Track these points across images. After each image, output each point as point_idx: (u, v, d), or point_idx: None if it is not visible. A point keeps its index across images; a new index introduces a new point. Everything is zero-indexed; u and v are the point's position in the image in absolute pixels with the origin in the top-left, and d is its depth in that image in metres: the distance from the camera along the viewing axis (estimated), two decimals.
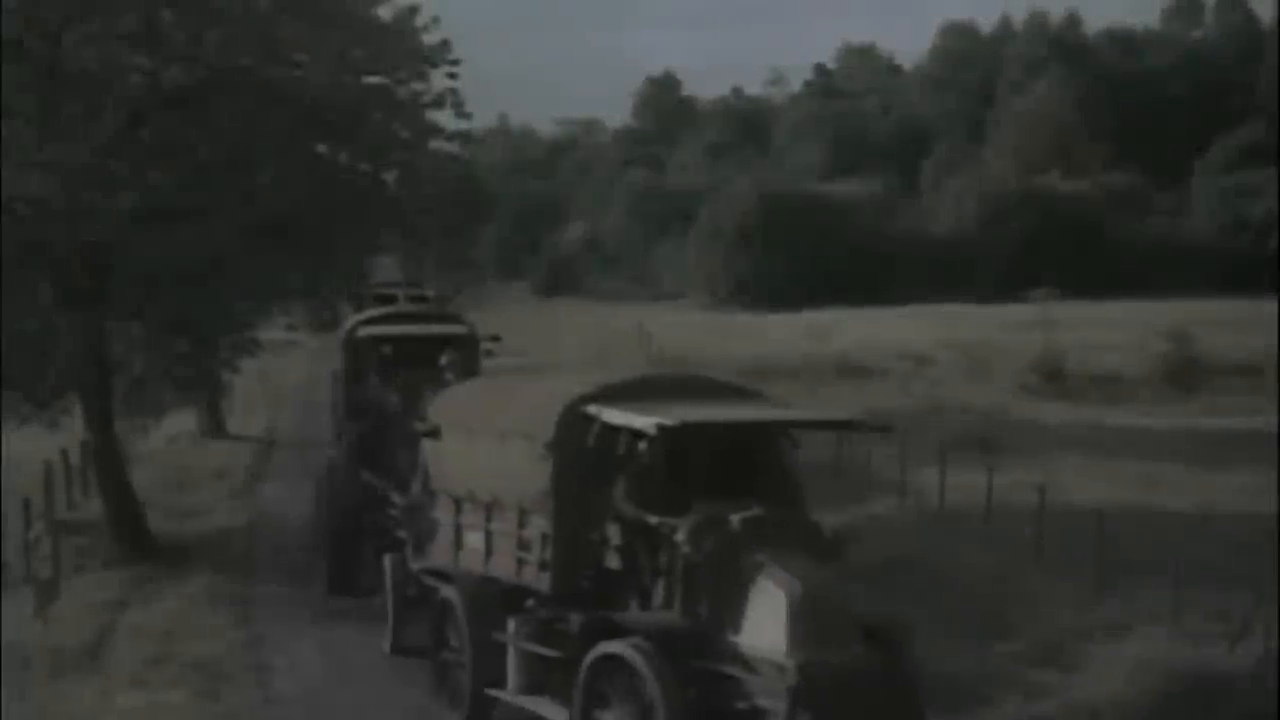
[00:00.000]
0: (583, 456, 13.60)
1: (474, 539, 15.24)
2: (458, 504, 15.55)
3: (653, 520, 13.02)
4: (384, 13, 24.61)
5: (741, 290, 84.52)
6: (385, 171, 25.88)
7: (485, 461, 14.92)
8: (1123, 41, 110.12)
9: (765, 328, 63.63)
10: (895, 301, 71.86)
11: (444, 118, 25.33)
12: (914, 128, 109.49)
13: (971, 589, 20.01)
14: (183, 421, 36.31)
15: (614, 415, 13.37)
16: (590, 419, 13.59)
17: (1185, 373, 47.54)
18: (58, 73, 22.18)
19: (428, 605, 16.55)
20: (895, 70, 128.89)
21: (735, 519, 12.61)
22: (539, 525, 13.99)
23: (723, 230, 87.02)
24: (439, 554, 16.12)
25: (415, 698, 16.31)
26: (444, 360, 21.35)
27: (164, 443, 35.91)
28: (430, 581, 16.42)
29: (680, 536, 12.65)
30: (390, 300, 38.72)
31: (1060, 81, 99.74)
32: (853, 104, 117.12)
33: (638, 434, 13.18)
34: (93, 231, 22.11)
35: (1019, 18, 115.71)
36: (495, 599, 14.85)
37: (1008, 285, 72.82)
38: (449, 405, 16.57)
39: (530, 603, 14.51)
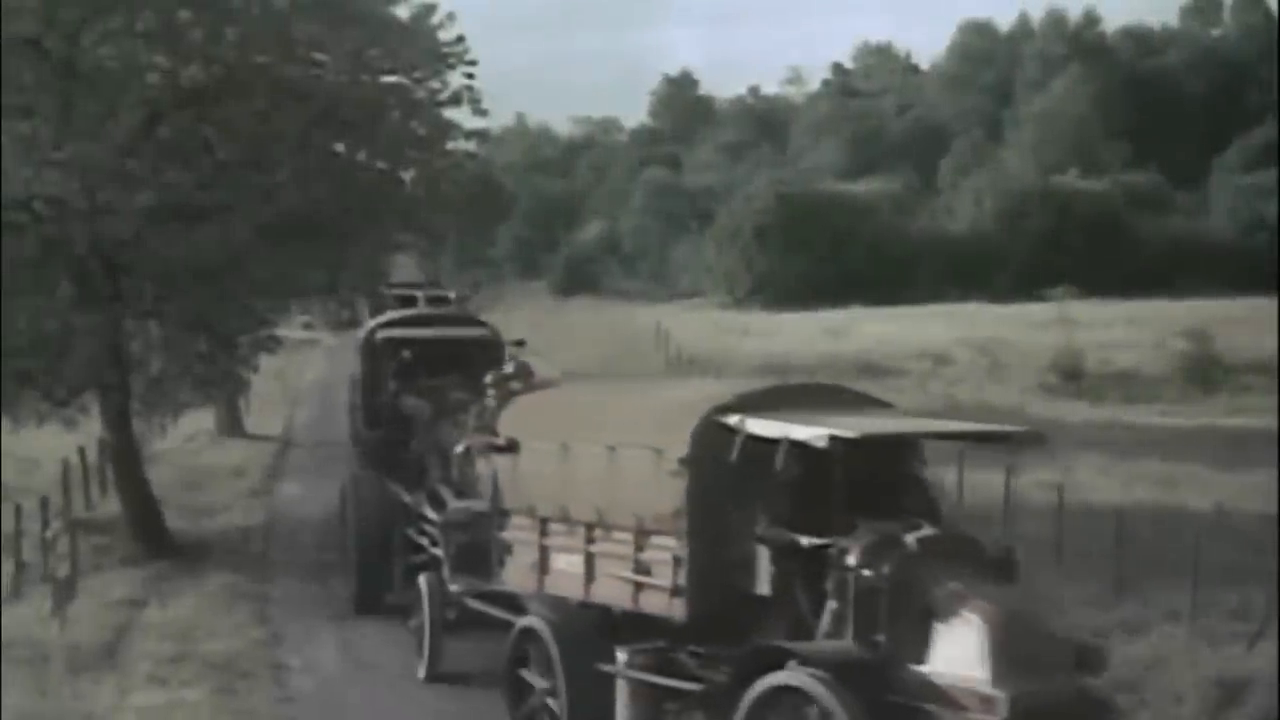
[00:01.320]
0: (722, 471, 12.21)
1: (567, 562, 13.89)
2: (543, 524, 14.17)
3: (818, 541, 11.84)
4: (401, 11, 24.66)
5: (759, 289, 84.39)
6: (402, 170, 25.90)
7: (586, 477, 13.57)
8: (1141, 40, 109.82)
9: (783, 327, 63.60)
10: (913, 300, 71.75)
11: (461, 116, 25.38)
12: (932, 126, 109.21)
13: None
14: (200, 420, 36.35)
15: (765, 427, 12.08)
16: (731, 431, 12.25)
17: (1204, 372, 47.44)
18: (76, 71, 22.23)
19: (468, 629, 15.99)
20: (913, 69, 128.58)
21: (911, 538, 11.58)
22: (668, 547, 12.59)
23: (740, 229, 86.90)
24: (516, 578, 14.77)
25: (432, 696, 16.30)
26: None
27: (182, 441, 35.97)
28: (491, 608, 15.64)
29: (853, 558, 11.49)
30: (410, 302, 37.94)
31: (1078, 80, 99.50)
32: (870, 103, 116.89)
33: (797, 446, 11.82)
34: (111, 230, 22.16)
35: (1037, 16, 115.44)
36: (596, 627, 13.59)
37: (1026, 284, 72.67)
38: (527, 417, 15.18)
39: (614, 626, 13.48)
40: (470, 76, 24.66)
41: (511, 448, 14.68)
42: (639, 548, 12.93)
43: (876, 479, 12.39)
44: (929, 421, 14.04)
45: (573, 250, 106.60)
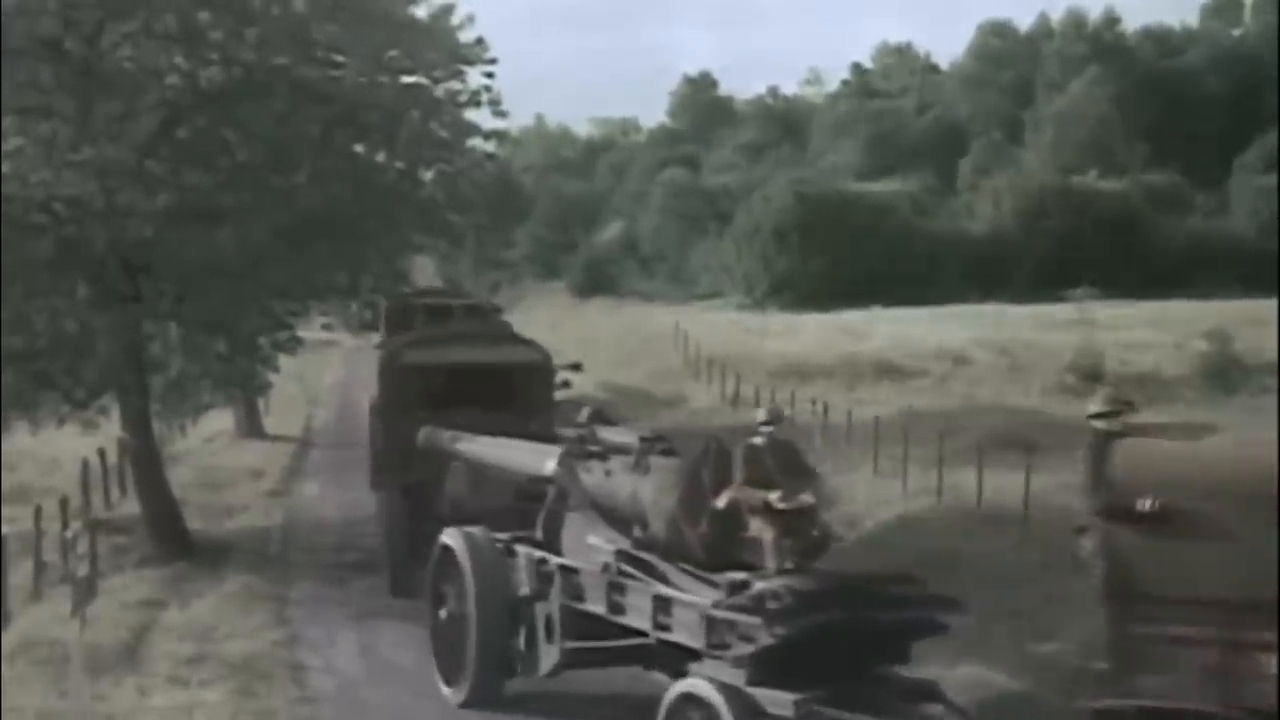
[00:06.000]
0: None
1: None
2: (1233, 617, 10.33)
3: None
4: (420, 12, 24.66)
5: (778, 290, 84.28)
6: (422, 171, 25.90)
7: None
8: (1161, 40, 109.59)
9: (802, 327, 63.45)
10: (932, 301, 71.54)
11: (480, 117, 25.37)
12: (951, 127, 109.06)
13: (1011, 588, 19.90)
14: (220, 421, 36.40)
15: None
16: None
17: (1225, 372, 47.27)
18: (95, 73, 22.25)
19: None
20: (932, 69, 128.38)
21: None
22: None
23: (759, 230, 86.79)
24: (1170, 686, 10.64)
25: (450, 697, 16.25)
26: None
27: (201, 442, 36.03)
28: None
29: None
30: (443, 313, 35.30)
31: (1098, 80, 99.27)
32: (890, 103, 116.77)
33: None
34: (130, 231, 22.19)
35: (1057, 16, 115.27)
36: None
37: (1045, 285, 72.54)
38: (1175, 472, 10.77)
39: None
40: (490, 77, 24.70)
41: (1166, 517, 10.48)
42: None
43: None
44: None
45: (592, 251, 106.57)
